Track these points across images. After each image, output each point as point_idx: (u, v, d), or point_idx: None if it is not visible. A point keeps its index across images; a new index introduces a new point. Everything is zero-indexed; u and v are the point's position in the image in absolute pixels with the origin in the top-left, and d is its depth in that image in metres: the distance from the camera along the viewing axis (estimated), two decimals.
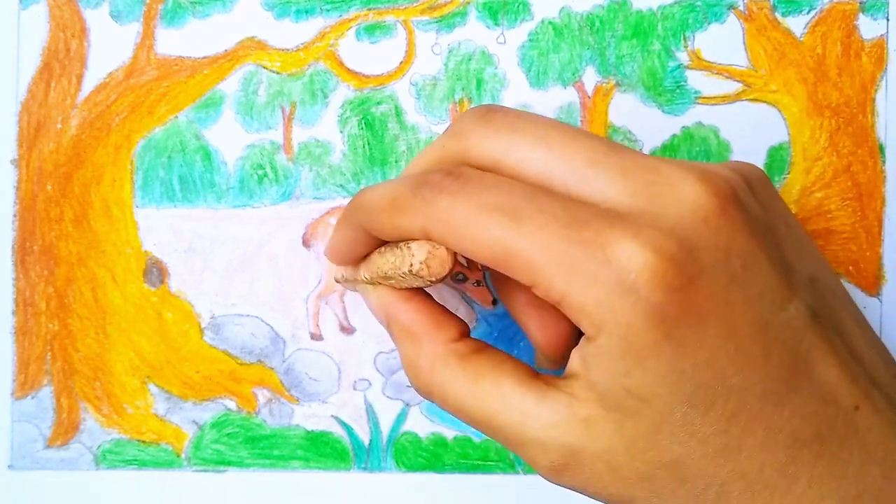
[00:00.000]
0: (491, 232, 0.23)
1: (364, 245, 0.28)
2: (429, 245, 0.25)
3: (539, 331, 0.27)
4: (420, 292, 0.28)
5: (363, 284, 0.28)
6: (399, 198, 0.25)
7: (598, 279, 0.22)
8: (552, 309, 0.25)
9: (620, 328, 0.22)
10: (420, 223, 0.24)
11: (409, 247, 0.25)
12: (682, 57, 0.33)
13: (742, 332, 0.22)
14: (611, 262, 0.22)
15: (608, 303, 0.22)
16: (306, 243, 0.33)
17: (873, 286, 0.33)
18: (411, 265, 0.25)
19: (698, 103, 0.33)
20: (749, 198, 0.24)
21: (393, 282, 0.27)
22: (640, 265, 0.22)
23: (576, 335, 0.26)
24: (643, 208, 0.23)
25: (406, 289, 0.27)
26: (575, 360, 0.24)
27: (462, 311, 0.33)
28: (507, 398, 0.25)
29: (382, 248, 0.27)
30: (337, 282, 0.31)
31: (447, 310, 0.27)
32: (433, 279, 0.25)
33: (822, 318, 0.24)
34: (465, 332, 0.27)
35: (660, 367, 0.22)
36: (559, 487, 0.27)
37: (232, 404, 0.33)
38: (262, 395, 0.33)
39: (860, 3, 0.33)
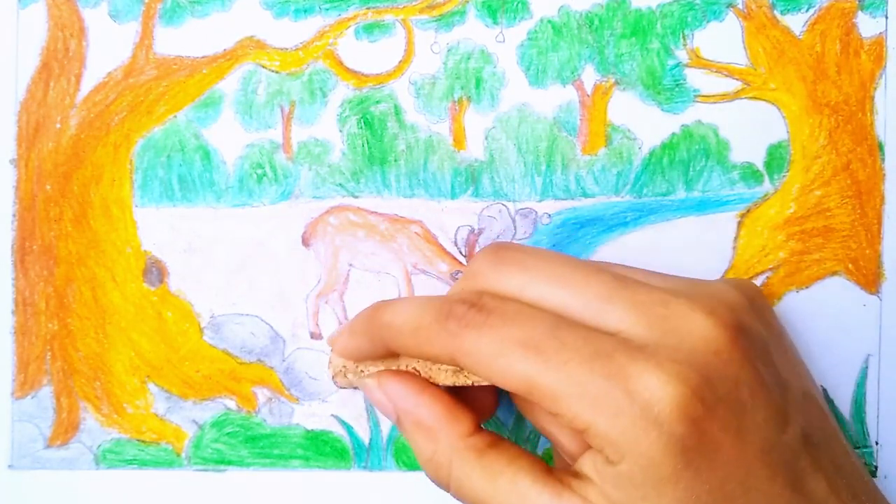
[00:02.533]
0: (517, 366, 0.25)
1: (380, 354, 0.29)
2: None
3: (567, 440, 0.27)
4: (430, 384, 0.28)
5: (366, 379, 0.29)
6: (424, 327, 0.26)
7: (623, 411, 0.23)
8: None
9: (643, 458, 0.23)
10: (448, 353, 0.26)
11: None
12: (682, 55, 0.33)
13: (750, 456, 0.24)
14: (634, 395, 0.23)
15: (633, 434, 0.23)
16: (306, 242, 0.33)
17: (873, 284, 0.33)
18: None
19: (697, 101, 0.33)
20: (753, 321, 0.26)
21: (428, 377, 0.28)
22: (664, 398, 0.23)
23: None
24: (658, 340, 0.24)
25: (418, 379, 0.28)
26: (588, 465, 0.25)
27: None
28: (524, 496, 0.26)
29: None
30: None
31: (458, 400, 0.28)
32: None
33: (811, 436, 0.26)
34: (478, 424, 0.28)
35: (677, 493, 0.24)
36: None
37: (232, 403, 0.33)
38: (262, 394, 0.33)
39: (859, 0, 0.33)
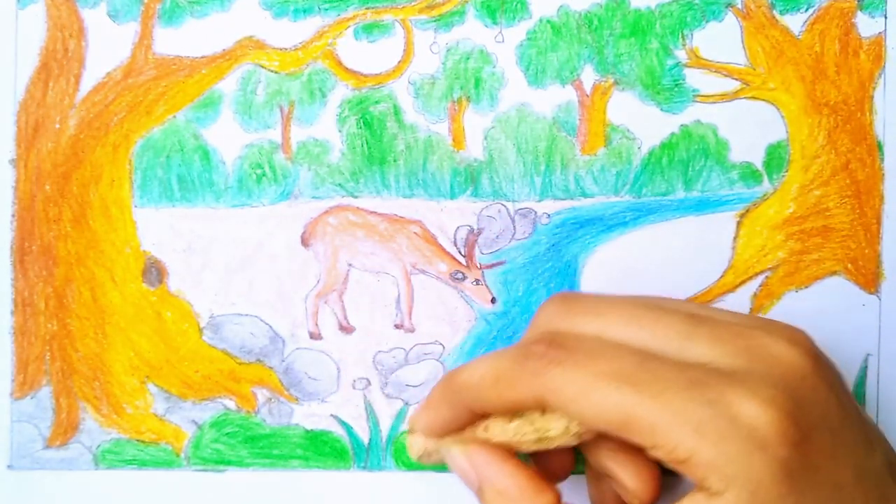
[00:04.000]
0: (610, 399, 0.24)
1: (464, 421, 0.28)
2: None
3: (634, 477, 0.27)
4: (514, 455, 0.28)
5: (451, 447, 0.29)
6: (505, 373, 0.26)
7: (728, 436, 0.23)
8: (641, 454, 0.26)
9: (751, 483, 0.23)
10: (534, 395, 0.25)
11: (544, 417, 0.27)
12: (681, 55, 0.33)
13: (845, 480, 0.24)
14: (737, 420, 0.23)
15: (739, 459, 0.23)
16: (305, 242, 0.33)
17: (872, 283, 0.33)
18: (567, 428, 0.26)
19: (697, 101, 0.33)
20: (824, 356, 0.26)
21: (510, 445, 0.28)
22: (767, 422, 0.23)
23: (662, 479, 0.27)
24: (747, 368, 0.25)
25: (502, 450, 0.28)
26: None
27: (461, 311, 0.33)
28: None
29: (501, 418, 0.27)
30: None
31: (540, 474, 0.28)
32: (581, 439, 0.27)
33: (892, 463, 0.26)
34: (559, 497, 0.27)
35: None
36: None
37: (231, 404, 0.33)
38: (262, 394, 0.33)
39: (858, 0, 0.33)
